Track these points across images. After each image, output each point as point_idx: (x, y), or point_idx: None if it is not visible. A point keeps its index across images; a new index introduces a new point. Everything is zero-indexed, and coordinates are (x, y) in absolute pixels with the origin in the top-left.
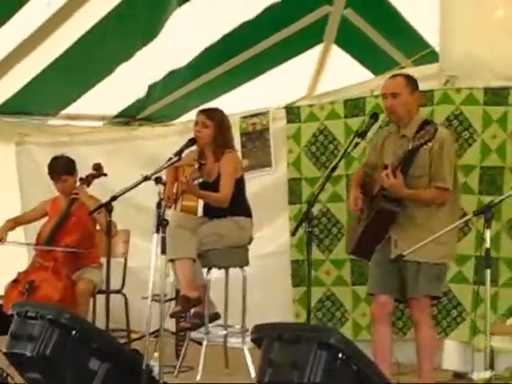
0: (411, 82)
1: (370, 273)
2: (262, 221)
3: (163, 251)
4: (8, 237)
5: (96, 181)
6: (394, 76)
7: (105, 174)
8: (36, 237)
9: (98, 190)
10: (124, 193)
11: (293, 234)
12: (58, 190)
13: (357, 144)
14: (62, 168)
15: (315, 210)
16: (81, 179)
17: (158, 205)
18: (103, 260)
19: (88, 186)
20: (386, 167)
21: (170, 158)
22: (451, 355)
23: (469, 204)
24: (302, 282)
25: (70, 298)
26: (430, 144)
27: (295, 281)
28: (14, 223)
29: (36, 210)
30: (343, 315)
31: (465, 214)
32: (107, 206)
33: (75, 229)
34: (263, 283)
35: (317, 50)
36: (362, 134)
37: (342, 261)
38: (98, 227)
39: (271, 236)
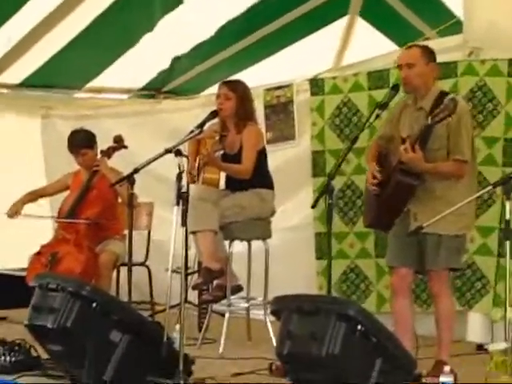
0: (427, 52)
1: (389, 246)
2: (285, 194)
3: (184, 223)
4: (28, 210)
5: (120, 154)
6: (409, 47)
7: (125, 147)
8: (58, 210)
9: (122, 163)
10: (146, 165)
11: (312, 206)
12: (79, 164)
13: (378, 116)
14: (80, 142)
15: (339, 183)
16: (101, 151)
17: (178, 177)
18: (127, 232)
19: (109, 158)
20: (404, 140)
21: (192, 131)
22: (475, 327)
23: (493, 176)
24: (325, 255)
25: (92, 270)
26: (449, 119)
27: (318, 253)
28: (35, 195)
29: (58, 183)
30: (367, 287)
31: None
32: (129, 179)
33: (96, 201)
34: (287, 256)
35: (342, 23)
36: (383, 106)
37: (366, 233)
38: (120, 200)
39: (295, 209)
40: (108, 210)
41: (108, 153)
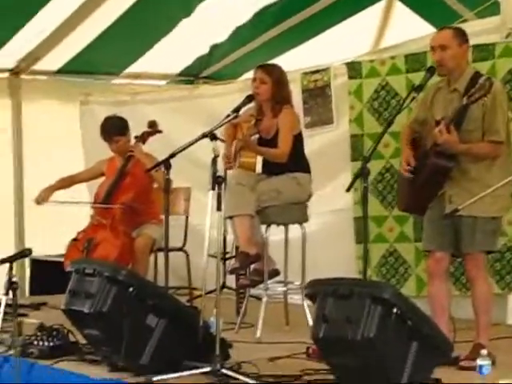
0: (460, 33)
1: (425, 230)
2: (325, 178)
3: (219, 208)
4: (64, 196)
5: (157, 139)
6: (441, 29)
7: (160, 131)
8: (94, 196)
9: (161, 148)
10: (182, 150)
11: (347, 189)
12: (113, 151)
13: (414, 98)
14: (113, 129)
15: (377, 167)
16: (136, 137)
17: (213, 162)
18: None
19: (144, 143)
20: (437, 123)
21: (228, 115)
22: None
23: None
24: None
25: (128, 255)
26: (485, 99)
27: (358, 237)
28: (68, 182)
29: (92, 170)
30: (406, 271)
31: None
32: (165, 164)
33: (131, 187)
34: (327, 240)
35: (379, 6)
36: (418, 88)
37: (405, 217)
38: (156, 185)
39: (334, 193)
40: (143, 195)
41: (143, 138)
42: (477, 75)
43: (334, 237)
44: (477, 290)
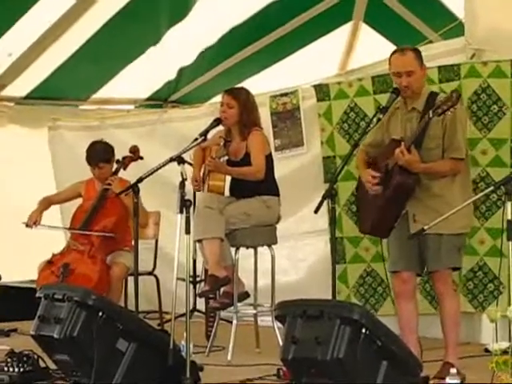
0: (419, 55)
1: (391, 251)
2: (299, 200)
3: (188, 231)
4: (43, 219)
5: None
6: (401, 51)
7: (141, 158)
8: (71, 219)
9: (133, 171)
10: (149, 174)
11: (315, 211)
12: (94, 176)
13: (379, 119)
14: (100, 155)
15: (349, 188)
16: (117, 161)
17: (181, 185)
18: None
19: (125, 169)
20: (399, 142)
21: (196, 139)
22: (486, 329)
23: (501, 177)
24: (341, 259)
25: (105, 283)
26: (452, 111)
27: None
28: (49, 202)
29: (69, 191)
30: (384, 290)
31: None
32: (134, 188)
33: (111, 212)
34: (305, 262)
35: (345, 29)
36: (383, 110)
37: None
38: None
39: (309, 215)
40: (121, 223)
41: (124, 163)
42: (432, 94)
43: (312, 258)
44: (445, 306)
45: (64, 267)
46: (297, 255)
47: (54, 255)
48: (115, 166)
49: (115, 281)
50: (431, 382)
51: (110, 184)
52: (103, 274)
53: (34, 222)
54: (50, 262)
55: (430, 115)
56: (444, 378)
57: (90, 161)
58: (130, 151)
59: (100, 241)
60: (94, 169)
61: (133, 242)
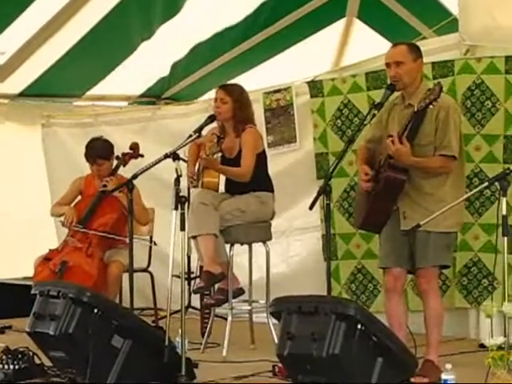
0: (414, 49)
1: (382, 247)
2: (291, 197)
3: (182, 228)
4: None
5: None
6: (395, 44)
7: (141, 155)
8: None
9: (126, 169)
10: (144, 171)
11: (310, 207)
12: (93, 172)
13: (374, 115)
14: (98, 152)
15: (342, 184)
16: (117, 158)
17: (176, 181)
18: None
19: (124, 165)
20: (390, 136)
21: (190, 135)
22: (478, 325)
23: (494, 173)
24: (333, 256)
25: (102, 280)
26: (435, 104)
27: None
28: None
29: (72, 191)
30: (375, 287)
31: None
32: (128, 185)
33: (108, 211)
34: (297, 258)
35: (339, 25)
36: (378, 105)
37: (371, 234)
38: None
39: (302, 211)
40: (119, 222)
41: (124, 160)
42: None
43: (305, 255)
44: (429, 304)
45: (62, 264)
46: (289, 251)
47: (50, 251)
48: (115, 162)
49: (112, 278)
50: (413, 379)
51: (105, 185)
52: (101, 272)
53: (71, 221)
54: (46, 259)
55: (415, 109)
56: (425, 376)
57: (88, 157)
58: (130, 148)
59: (98, 239)
60: (93, 165)
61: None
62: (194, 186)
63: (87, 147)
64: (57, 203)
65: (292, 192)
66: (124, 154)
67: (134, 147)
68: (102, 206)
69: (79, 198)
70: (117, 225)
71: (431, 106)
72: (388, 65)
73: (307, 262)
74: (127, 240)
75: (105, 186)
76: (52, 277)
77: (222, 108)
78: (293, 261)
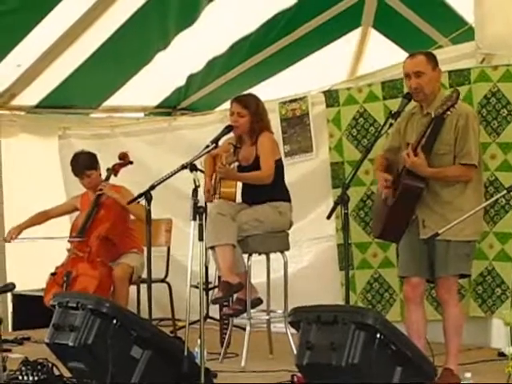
0: (432, 58)
1: (401, 256)
2: (307, 206)
3: (201, 238)
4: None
5: (139, 171)
6: (413, 55)
7: (131, 162)
8: (70, 229)
9: (142, 180)
10: (161, 182)
11: (328, 217)
12: (85, 186)
13: (391, 124)
14: (83, 164)
15: (359, 193)
16: (108, 169)
17: (194, 192)
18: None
19: (115, 175)
20: (408, 144)
21: (207, 146)
22: (498, 334)
23: (509, 181)
24: (349, 266)
25: (107, 285)
26: (452, 110)
27: (343, 264)
28: (43, 218)
29: (65, 205)
30: (391, 296)
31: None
32: (146, 195)
33: (105, 219)
34: (311, 268)
35: (355, 35)
36: (395, 115)
37: (388, 243)
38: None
39: (317, 221)
40: (119, 226)
41: (114, 170)
42: None
43: (319, 264)
44: (449, 313)
45: (66, 275)
46: (303, 261)
47: (57, 267)
48: (105, 173)
49: (118, 281)
50: None
51: (101, 190)
52: (104, 277)
53: (10, 237)
54: (53, 274)
55: (432, 115)
56: None
57: (76, 173)
58: (119, 157)
59: (98, 245)
60: (83, 179)
61: (142, 246)
62: (210, 201)
63: (72, 164)
64: (43, 211)
65: (307, 201)
66: (114, 165)
67: (123, 156)
68: (99, 215)
69: (78, 213)
70: (115, 230)
71: (449, 113)
72: (407, 75)
73: (322, 272)
74: (137, 244)
75: (101, 190)
76: (59, 290)
77: (239, 122)
78: (307, 270)
